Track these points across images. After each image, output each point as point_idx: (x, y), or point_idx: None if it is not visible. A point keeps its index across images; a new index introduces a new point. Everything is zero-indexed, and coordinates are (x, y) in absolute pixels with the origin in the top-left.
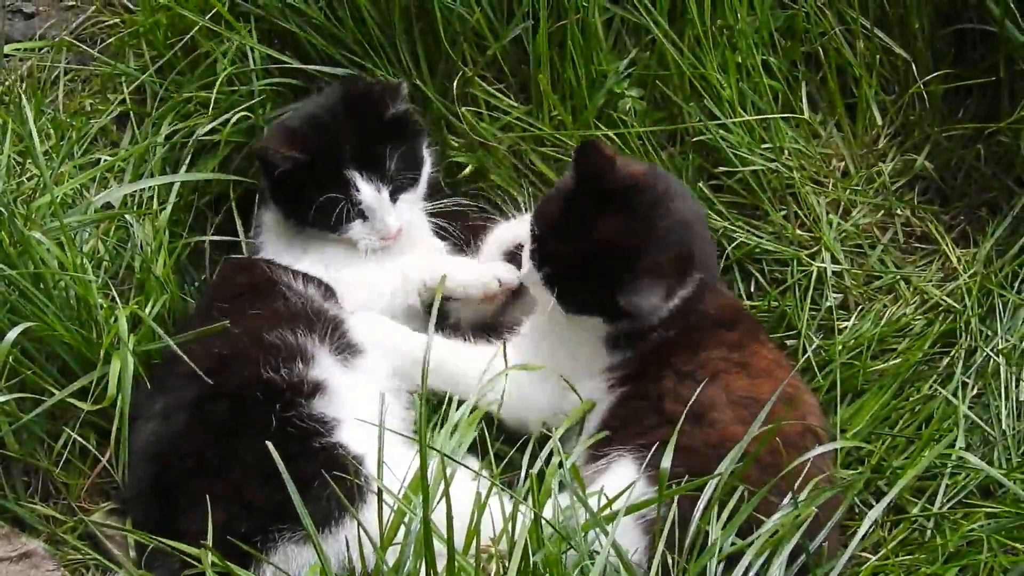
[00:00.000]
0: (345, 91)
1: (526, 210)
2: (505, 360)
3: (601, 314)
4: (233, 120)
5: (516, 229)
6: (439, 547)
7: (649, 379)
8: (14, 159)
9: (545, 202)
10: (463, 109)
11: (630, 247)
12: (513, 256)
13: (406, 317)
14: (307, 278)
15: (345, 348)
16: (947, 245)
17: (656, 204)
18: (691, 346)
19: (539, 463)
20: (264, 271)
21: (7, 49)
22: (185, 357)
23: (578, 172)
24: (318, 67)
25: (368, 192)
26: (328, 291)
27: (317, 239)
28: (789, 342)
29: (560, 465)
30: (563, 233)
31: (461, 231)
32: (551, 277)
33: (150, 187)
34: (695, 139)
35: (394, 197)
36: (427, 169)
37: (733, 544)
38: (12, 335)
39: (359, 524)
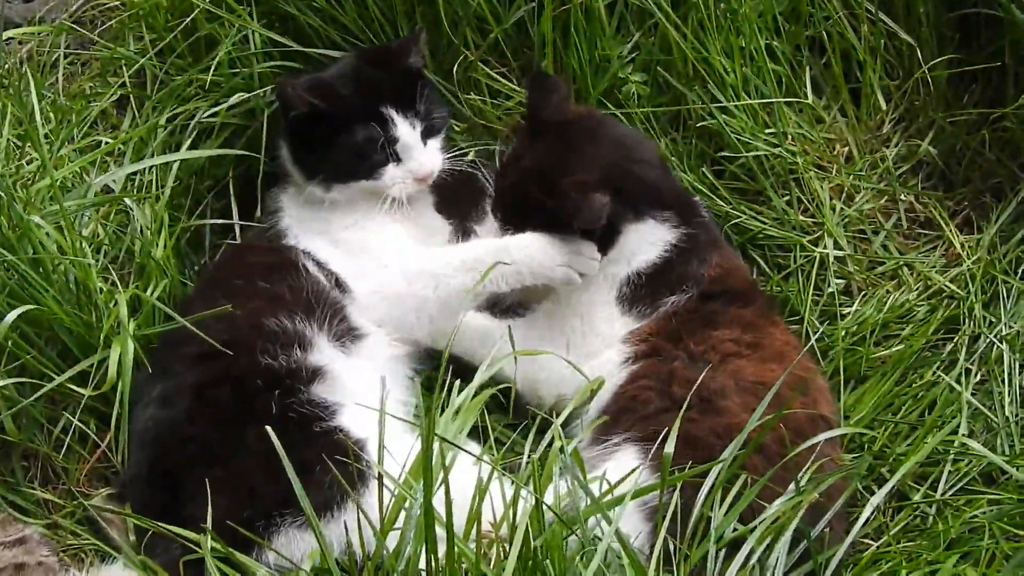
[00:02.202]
0: (363, 51)
1: None
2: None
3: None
4: (234, 103)
5: None
6: (440, 532)
7: (661, 358)
8: (13, 143)
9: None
10: (471, 95)
11: (553, 168)
12: None
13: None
14: (317, 263)
15: (344, 334)
16: (951, 231)
17: (584, 135)
18: (705, 322)
19: (541, 448)
20: (270, 253)
21: (7, 33)
22: (199, 332)
23: (527, 102)
24: (319, 50)
25: (405, 128)
26: (333, 278)
27: (339, 215)
28: (792, 328)
29: (562, 450)
30: (505, 170)
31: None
32: (498, 215)
33: (149, 171)
34: (698, 124)
35: (424, 139)
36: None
37: (735, 531)
38: (11, 316)
39: (359, 509)
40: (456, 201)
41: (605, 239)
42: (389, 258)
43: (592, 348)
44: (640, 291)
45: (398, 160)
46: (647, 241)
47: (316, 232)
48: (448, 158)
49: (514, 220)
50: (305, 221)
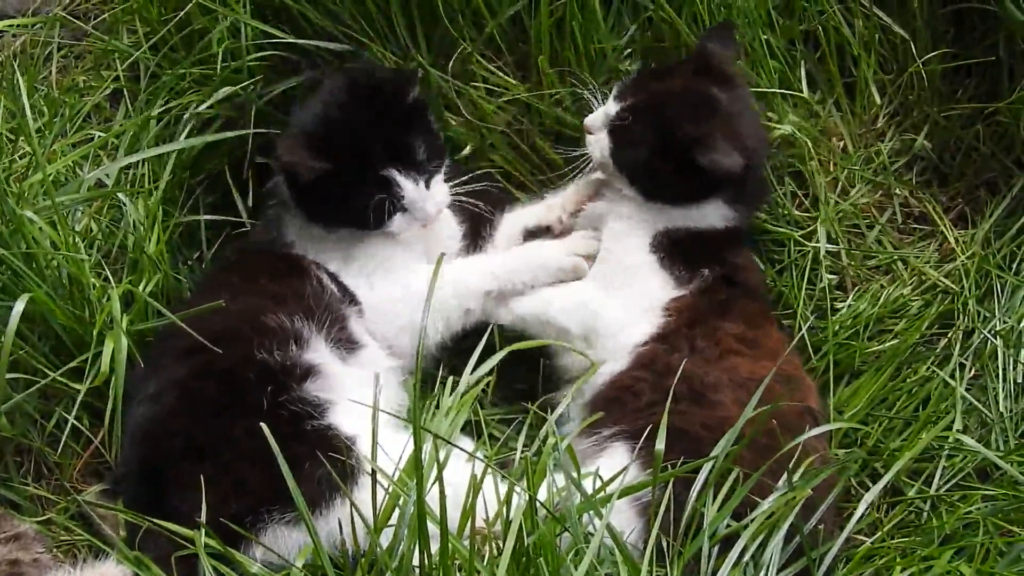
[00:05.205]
0: (355, 83)
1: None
2: None
3: (665, 186)
4: (227, 96)
5: (532, 213)
6: (433, 529)
7: (668, 347)
8: (6, 136)
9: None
10: (469, 87)
11: (708, 98)
12: (535, 236)
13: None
14: (327, 273)
15: (342, 343)
16: (945, 226)
17: (744, 102)
18: (720, 310)
19: (535, 444)
20: (279, 258)
21: (0, 25)
22: (194, 327)
23: (706, 42)
24: (314, 42)
25: (409, 187)
26: (342, 288)
27: (349, 243)
28: (786, 322)
29: (555, 447)
30: (663, 75)
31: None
32: (618, 134)
33: (143, 165)
34: None
35: (428, 183)
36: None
37: (728, 526)
38: (18, 308)
39: (353, 505)
40: (466, 208)
41: (692, 193)
42: (407, 269)
43: (635, 311)
44: (682, 251)
45: (404, 210)
46: (714, 213)
47: (326, 248)
48: (454, 186)
49: (641, 119)
50: (314, 238)
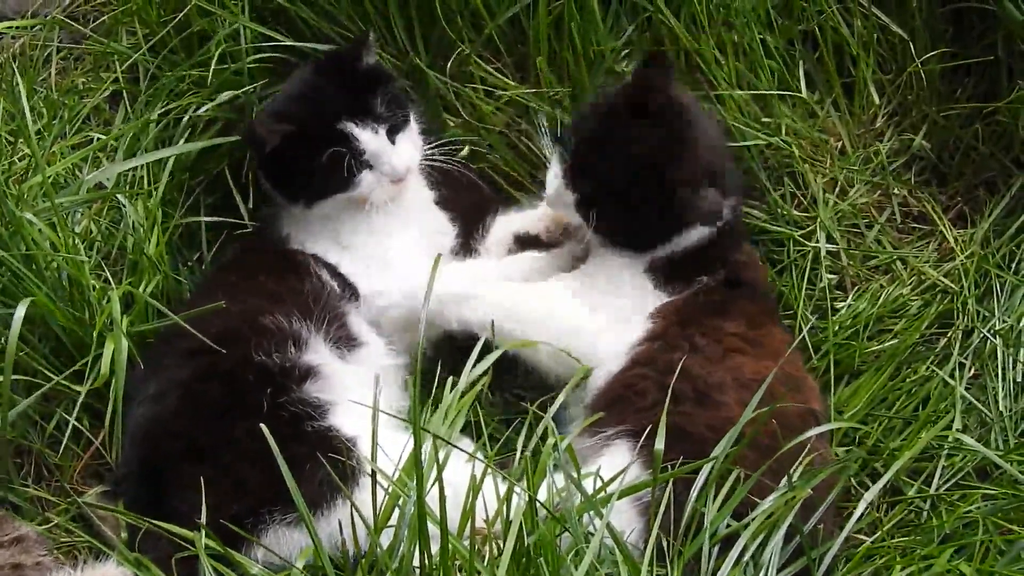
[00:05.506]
0: (315, 63)
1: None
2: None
3: (634, 242)
4: (225, 99)
5: (523, 220)
6: (433, 529)
7: (664, 344)
8: (6, 138)
9: (581, 118)
10: (467, 88)
11: (661, 160)
12: (525, 243)
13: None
14: (326, 265)
15: (342, 341)
16: (944, 225)
17: (688, 122)
18: (717, 311)
19: (534, 443)
20: (278, 255)
21: None
22: (194, 329)
23: (635, 81)
24: (312, 44)
25: (367, 138)
26: (341, 280)
27: (345, 221)
28: (786, 322)
29: (555, 447)
30: (599, 148)
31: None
32: (586, 198)
33: (142, 167)
34: None
35: (392, 137)
36: (415, 115)
37: (728, 526)
38: (20, 313)
39: (353, 506)
40: (458, 205)
41: (670, 234)
42: (403, 259)
43: (623, 316)
44: (678, 269)
45: (371, 167)
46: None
47: (322, 237)
48: (428, 148)
49: (611, 209)
50: (308, 228)
